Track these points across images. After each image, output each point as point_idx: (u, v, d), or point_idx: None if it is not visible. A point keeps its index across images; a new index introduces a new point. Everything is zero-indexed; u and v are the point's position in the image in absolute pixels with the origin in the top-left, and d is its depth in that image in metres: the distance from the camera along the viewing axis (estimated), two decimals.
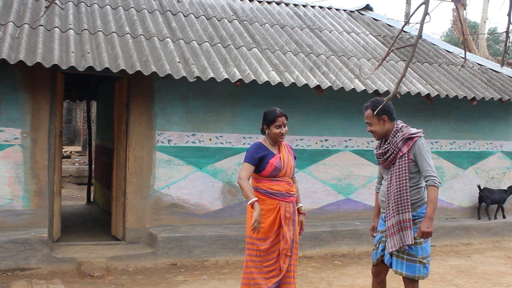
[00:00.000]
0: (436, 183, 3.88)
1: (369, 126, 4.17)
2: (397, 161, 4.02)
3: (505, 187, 9.01)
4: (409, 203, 3.93)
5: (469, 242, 8.13)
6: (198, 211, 7.19)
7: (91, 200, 10.97)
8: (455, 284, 6.03)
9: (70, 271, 5.96)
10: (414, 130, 4.08)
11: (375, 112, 4.04)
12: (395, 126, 4.11)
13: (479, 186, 8.72)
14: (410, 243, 3.90)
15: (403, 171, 3.97)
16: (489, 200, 8.65)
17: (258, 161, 4.36)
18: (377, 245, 4.19)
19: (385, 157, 4.10)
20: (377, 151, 4.21)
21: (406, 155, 3.99)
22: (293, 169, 4.53)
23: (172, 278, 5.93)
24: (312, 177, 7.75)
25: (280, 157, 4.43)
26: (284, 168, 4.42)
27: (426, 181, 3.93)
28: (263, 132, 4.56)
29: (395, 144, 4.04)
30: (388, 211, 4.04)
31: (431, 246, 7.63)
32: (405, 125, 4.14)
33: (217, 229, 6.92)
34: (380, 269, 4.23)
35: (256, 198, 4.22)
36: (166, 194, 7.03)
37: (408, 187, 3.96)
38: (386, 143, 4.11)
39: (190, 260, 6.51)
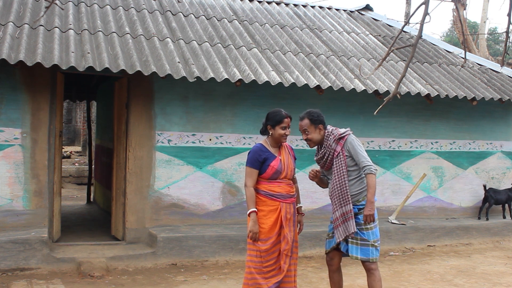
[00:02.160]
0: (372, 170, 4.30)
1: (305, 135, 4.55)
2: (334, 160, 4.46)
3: (510, 187, 8.95)
4: (349, 196, 4.36)
5: (469, 242, 8.12)
6: (198, 211, 7.19)
7: (91, 200, 10.97)
8: (455, 284, 6.03)
9: (70, 271, 5.96)
10: (342, 130, 4.52)
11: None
12: (326, 131, 4.55)
13: (484, 186, 8.69)
14: (353, 231, 4.31)
15: (341, 168, 4.40)
16: (492, 201, 8.63)
17: (261, 164, 4.38)
18: (331, 234, 4.56)
19: (323, 160, 4.53)
20: (316, 157, 4.63)
21: (341, 153, 4.43)
22: (293, 170, 4.55)
23: (172, 278, 5.93)
24: None
25: (280, 159, 4.45)
26: (285, 171, 4.44)
27: (363, 171, 4.35)
28: (263, 133, 4.57)
29: (329, 147, 4.48)
30: (333, 206, 4.47)
31: (431, 246, 7.76)
32: (334, 128, 4.57)
33: (217, 229, 6.92)
34: (332, 256, 4.58)
35: (254, 209, 4.30)
36: (166, 194, 7.03)
37: (347, 182, 4.38)
38: (322, 148, 4.54)
39: (190, 260, 6.51)
